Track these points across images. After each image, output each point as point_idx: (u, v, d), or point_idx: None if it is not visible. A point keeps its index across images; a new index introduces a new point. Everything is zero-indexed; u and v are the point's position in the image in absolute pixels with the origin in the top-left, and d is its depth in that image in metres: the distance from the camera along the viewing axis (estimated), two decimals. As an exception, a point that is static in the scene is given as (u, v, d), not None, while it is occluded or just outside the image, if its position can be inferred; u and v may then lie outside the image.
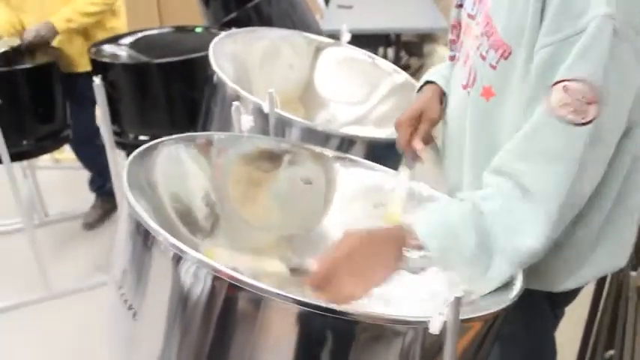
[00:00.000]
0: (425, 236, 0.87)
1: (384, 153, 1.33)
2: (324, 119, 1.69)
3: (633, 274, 1.52)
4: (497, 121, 0.93)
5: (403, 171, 1.16)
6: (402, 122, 1.13)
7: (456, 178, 1.06)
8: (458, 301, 0.64)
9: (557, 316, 1.14)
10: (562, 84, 0.78)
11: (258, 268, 1.00)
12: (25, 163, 2.99)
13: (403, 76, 1.71)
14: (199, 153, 1.06)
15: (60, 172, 3.49)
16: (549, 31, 0.80)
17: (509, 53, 0.87)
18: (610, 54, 0.76)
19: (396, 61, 4.16)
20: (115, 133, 2.38)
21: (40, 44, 2.45)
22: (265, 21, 2.88)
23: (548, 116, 0.80)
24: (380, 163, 1.24)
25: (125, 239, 0.80)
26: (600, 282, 1.67)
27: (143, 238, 0.75)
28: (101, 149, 2.35)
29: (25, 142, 2.38)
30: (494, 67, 0.90)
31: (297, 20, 3.03)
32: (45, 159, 3.39)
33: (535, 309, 1.06)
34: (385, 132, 1.65)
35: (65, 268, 2.65)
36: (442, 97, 1.14)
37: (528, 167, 0.83)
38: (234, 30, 1.70)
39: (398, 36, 4.00)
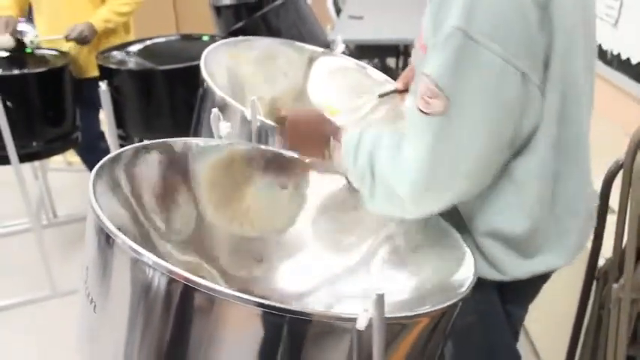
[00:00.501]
0: (344, 139, 1.05)
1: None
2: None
3: (615, 286, 1.54)
4: None
5: None
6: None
7: None
8: (381, 298, 0.68)
9: (509, 315, 1.17)
10: (422, 77, 0.90)
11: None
12: (37, 164, 3.08)
13: (394, 86, 1.74)
14: (176, 157, 1.10)
15: (71, 174, 3.57)
16: (429, 36, 0.91)
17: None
18: (463, 59, 0.85)
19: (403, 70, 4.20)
20: (120, 137, 2.45)
21: (82, 42, 2.54)
22: (273, 31, 2.94)
23: (415, 102, 0.92)
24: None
25: (91, 238, 0.84)
26: (584, 295, 1.68)
27: (105, 237, 0.80)
28: (106, 153, 2.41)
29: (34, 144, 2.44)
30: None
31: (305, 31, 3.08)
32: (57, 161, 3.48)
33: (487, 301, 1.11)
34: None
35: (70, 269, 2.72)
36: None
37: (409, 136, 0.93)
38: (230, 39, 1.75)
39: (407, 46, 4.04)
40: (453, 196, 0.95)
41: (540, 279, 1.16)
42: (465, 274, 0.92)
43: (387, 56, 4.61)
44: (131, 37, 2.80)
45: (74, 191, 3.41)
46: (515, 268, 1.05)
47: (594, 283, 1.67)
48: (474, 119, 0.88)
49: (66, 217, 3.18)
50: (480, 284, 0.94)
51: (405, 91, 1.54)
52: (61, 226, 3.13)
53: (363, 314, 0.70)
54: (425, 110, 0.88)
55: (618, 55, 2.47)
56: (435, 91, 0.86)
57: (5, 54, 2.56)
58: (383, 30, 3.96)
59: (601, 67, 2.56)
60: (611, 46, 2.51)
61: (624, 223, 1.51)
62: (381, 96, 1.60)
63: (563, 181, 1.03)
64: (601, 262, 1.64)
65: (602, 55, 2.56)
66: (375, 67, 4.66)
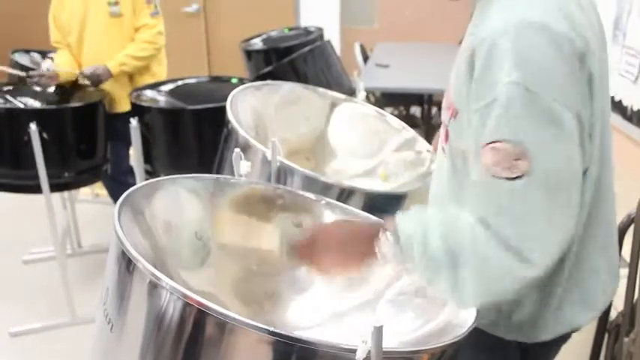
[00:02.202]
0: (400, 223, 0.97)
1: (381, 205, 1.41)
2: (333, 170, 1.79)
3: (626, 340, 1.54)
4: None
5: None
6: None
7: None
8: (379, 330, 0.71)
9: None
10: (490, 145, 0.87)
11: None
12: (65, 194, 3.19)
13: (411, 132, 1.80)
14: (198, 192, 1.16)
15: (98, 206, 3.67)
16: (475, 99, 0.91)
17: (457, 113, 0.98)
18: (529, 112, 0.85)
19: (428, 119, 4.27)
20: (147, 172, 2.54)
21: (93, 82, 2.67)
22: (301, 76, 3.04)
23: (487, 175, 0.89)
24: (377, 215, 1.33)
25: (112, 262, 0.90)
26: (595, 348, 1.68)
27: (126, 263, 0.86)
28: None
29: (65, 175, 2.54)
30: (446, 125, 1.02)
31: (331, 78, 3.19)
32: (85, 192, 3.59)
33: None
34: (391, 185, 1.74)
35: (91, 298, 2.75)
36: None
37: (501, 219, 0.89)
38: (255, 83, 1.84)
39: (430, 95, 4.12)
40: (550, 261, 0.91)
41: (562, 339, 1.13)
42: (467, 316, 0.95)
43: (412, 104, 4.70)
44: (164, 77, 2.92)
45: (99, 223, 3.50)
46: (540, 329, 1.05)
47: (606, 336, 1.67)
48: (551, 173, 0.87)
49: (90, 248, 3.26)
50: (503, 346, 0.94)
51: None
52: (84, 256, 3.22)
53: (361, 345, 0.74)
54: (512, 175, 0.86)
55: (638, 111, 2.50)
56: (518, 152, 0.85)
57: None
58: (408, 79, 4.06)
59: (621, 123, 2.59)
60: (632, 102, 2.55)
61: (636, 276, 1.52)
62: None
63: (597, 224, 1.04)
64: (613, 314, 1.64)
65: (623, 110, 2.59)
66: (400, 114, 4.75)
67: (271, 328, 0.77)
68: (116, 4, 2.66)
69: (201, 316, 0.80)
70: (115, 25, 2.68)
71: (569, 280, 1.04)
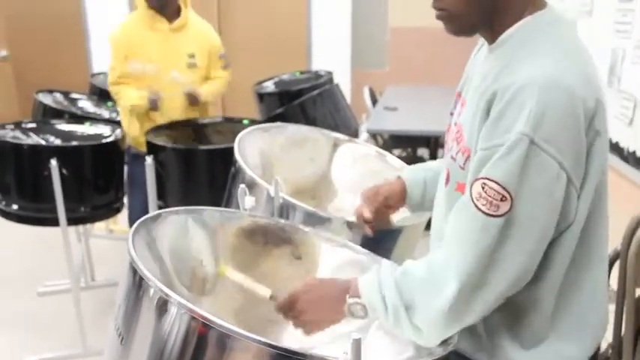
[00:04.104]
0: (361, 286, 1.07)
1: (378, 239, 1.50)
2: (335, 208, 1.88)
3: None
4: None
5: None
6: (367, 194, 1.39)
7: None
8: (358, 343, 0.80)
9: None
10: (482, 181, 0.95)
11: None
12: (81, 229, 3.30)
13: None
14: (205, 223, 1.27)
15: (111, 241, 3.78)
16: (485, 139, 0.98)
17: (470, 156, 1.05)
18: (527, 163, 0.93)
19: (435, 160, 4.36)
20: (160, 208, 2.64)
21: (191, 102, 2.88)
22: (310, 118, 3.17)
23: (469, 204, 0.97)
24: (375, 248, 1.42)
25: (125, 282, 1.00)
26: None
27: (138, 281, 0.95)
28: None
29: (82, 209, 2.65)
30: (462, 168, 1.08)
31: (339, 120, 3.32)
32: (100, 227, 3.70)
33: None
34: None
35: (102, 330, 2.84)
36: (405, 194, 1.39)
37: (446, 246, 1.01)
38: (263, 125, 1.95)
39: (437, 138, 4.22)
40: (498, 296, 0.99)
41: None
42: (449, 341, 1.03)
43: (419, 146, 4.81)
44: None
45: (113, 258, 3.60)
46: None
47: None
48: (532, 219, 0.95)
49: (103, 282, 3.36)
50: None
51: (370, 222, 1.39)
52: (97, 290, 3.31)
53: (342, 356, 0.83)
54: (491, 212, 0.94)
55: (634, 152, 2.59)
56: (504, 194, 0.93)
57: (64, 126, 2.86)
58: (415, 121, 4.18)
59: (618, 163, 2.68)
60: (627, 144, 2.64)
61: (622, 309, 1.58)
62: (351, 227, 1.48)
63: (586, 272, 1.08)
64: (603, 345, 1.69)
65: (619, 151, 2.68)
66: (408, 156, 4.85)
67: (267, 340, 0.85)
68: (194, 56, 2.90)
69: (205, 329, 0.89)
70: (190, 74, 2.90)
71: (556, 318, 1.09)
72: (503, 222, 0.94)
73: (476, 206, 0.96)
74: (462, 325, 1.02)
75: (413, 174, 1.41)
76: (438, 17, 1.07)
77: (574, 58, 1.00)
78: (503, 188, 0.93)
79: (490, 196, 0.94)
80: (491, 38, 1.08)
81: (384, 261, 1.25)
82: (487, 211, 0.94)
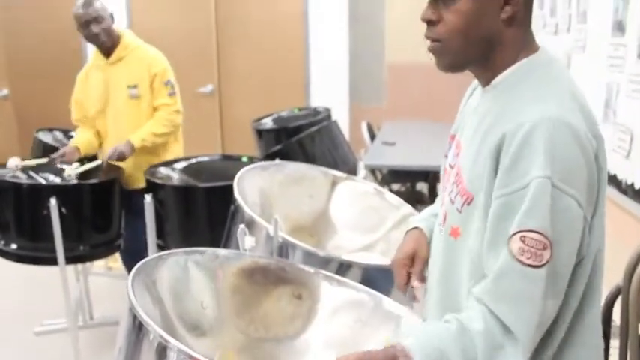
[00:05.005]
0: (416, 352, 0.95)
1: (377, 278, 1.50)
2: (334, 246, 1.89)
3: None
4: (460, 258, 1.10)
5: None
6: (399, 261, 1.26)
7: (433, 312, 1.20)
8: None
9: None
10: (519, 234, 0.94)
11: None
12: (79, 267, 3.28)
13: (409, 209, 1.90)
14: (205, 264, 1.27)
15: (111, 279, 3.75)
16: (501, 185, 0.98)
17: (472, 200, 1.05)
18: (553, 207, 0.94)
19: (434, 195, 4.37)
20: (159, 247, 2.64)
21: (119, 159, 2.82)
22: (308, 155, 3.18)
23: (512, 262, 0.95)
24: (375, 286, 1.41)
25: (125, 326, 1.00)
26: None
27: (137, 326, 0.95)
28: (147, 260, 2.60)
29: (81, 248, 2.64)
30: (459, 212, 1.08)
31: (337, 156, 3.33)
32: (99, 265, 3.68)
33: None
34: (387, 260, 1.83)
35: (100, 369, 2.83)
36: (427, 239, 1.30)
37: (507, 308, 0.96)
38: (262, 163, 1.97)
39: (436, 173, 4.24)
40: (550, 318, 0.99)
41: None
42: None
43: (418, 181, 4.81)
44: (181, 154, 3.08)
45: (111, 296, 3.57)
46: None
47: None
48: (567, 261, 0.97)
49: (101, 320, 3.33)
50: None
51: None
52: (95, 328, 3.27)
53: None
54: (537, 264, 0.94)
55: (632, 185, 2.60)
56: (545, 242, 0.93)
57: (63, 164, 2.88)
58: (414, 156, 4.19)
59: (616, 196, 2.68)
60: (625, 176, 2.65)
61: (626, 345, 1.57)
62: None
63: (590, 306, 1.07)
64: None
65: (617, 184, 2.69)
66: (407, 191, 4.84)
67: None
68: (135, 87, 2.87)
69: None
70: (134, 105, 2.88)
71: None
72: (547, 270, 0.94)
73: (521, 262, 0.95)
74: None
75: (427, 224, 1.33)
76: (431, 49, 1.07)
77: (573, 97, 1.02)
78: (543, 236, 0.93)
79: (533, 247, 0.94)
80: (486, 79, 1.09)
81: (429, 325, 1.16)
82: (533, 263, 0.94)
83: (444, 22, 1.03)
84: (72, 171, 2.79)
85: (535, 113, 0.97)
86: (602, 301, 1.19)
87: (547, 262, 0.94)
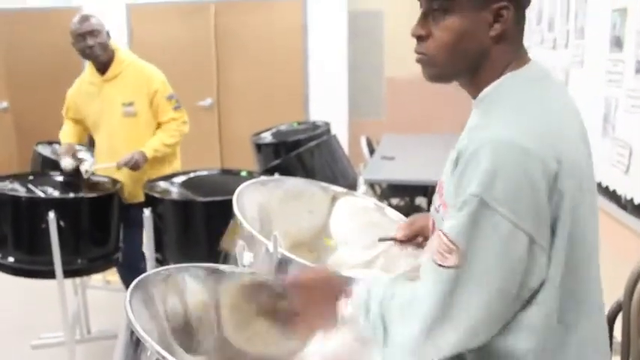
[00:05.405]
0: (354, 293, 1.11)
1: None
2: (334, 262, 1.88)
3: None
4: None
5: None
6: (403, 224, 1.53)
7: None
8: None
9: None
10: (440, 232, 1.00)
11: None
12: (77, 280, 3.27)
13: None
14: (203, 279, 1.26)
15: (108, 293, 3.74)
16: (451, 197, 1.01)
17: (446, 208, 1.07)
18: (475, 221, 0.95)
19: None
20: (158, 261, 2.63)
21: (133, 168, 2.82)
22: (308, 169, 3.18)
23: (430, 255, 1.02)
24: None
25: (123, 341, 0.99)
26: None
27: (135, 343, 0.94)
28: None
29: (79, 261, 2.63)
30: (443, 220, 1.08)
31: (337, 170, 3.33)
32: (97, 279, 3.67)
33: None
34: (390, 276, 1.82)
35: (97, 384, 2.80)
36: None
37: (420, 285, 1.03)
38: (261, 178, 1.96)
39: (434, 187, 4.23)
40: (454, 346, 1.00)
41: None
42: None
43: (417, 195, 4.82)
44: (179, 168, 3.08)
45: (109, 309, 3.55)
46: None
47: None
48: (482, 276, 0.97)
49: (98, 334, 3.31)
50: None
51: (402, 241, 1.55)
52: (92, 342, 3.25)
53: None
54: (440, 263, 0.98)
55: (631, 199, 2.59)
56: (451, 247, 0.97)
57: (63, 178, 2.86)
58: (413, 171, 4.19)
59: (616, 211, 2.68)
60: (624, 191, 2.65)
61: (628, 362, 1.56)
62: (380, 240, 1.65)
63: (573, 331, 1.06)
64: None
65: (617, 199, 2.69)
66: (406, 205, 4.83)
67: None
68: (130, 104, 2.86)
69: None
70: (130, 123, 2.87)
71: None
72: (454, 274, 0.97)
73: (433, 258, 1.01)
74: None
75: None
76: (418, 61, 1.08)
77: (542, 117, 1.01)
78: (451, 242, 0.97)
79: (441, 248, 0.99)
80: (472, 93, 1.10)
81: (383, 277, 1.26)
82: (437, 261, 0.99)
83: (434, 37, 1.04)
84: (89, 167, 2.81)
85: (487, 133, 0.98)
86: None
87: (452, 266, 0.97)
